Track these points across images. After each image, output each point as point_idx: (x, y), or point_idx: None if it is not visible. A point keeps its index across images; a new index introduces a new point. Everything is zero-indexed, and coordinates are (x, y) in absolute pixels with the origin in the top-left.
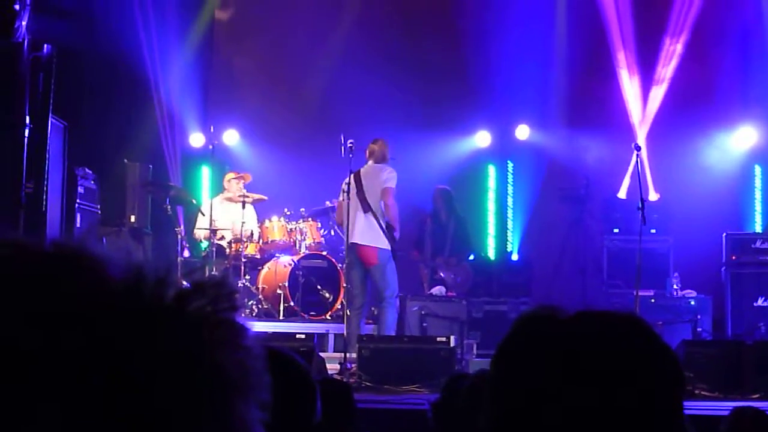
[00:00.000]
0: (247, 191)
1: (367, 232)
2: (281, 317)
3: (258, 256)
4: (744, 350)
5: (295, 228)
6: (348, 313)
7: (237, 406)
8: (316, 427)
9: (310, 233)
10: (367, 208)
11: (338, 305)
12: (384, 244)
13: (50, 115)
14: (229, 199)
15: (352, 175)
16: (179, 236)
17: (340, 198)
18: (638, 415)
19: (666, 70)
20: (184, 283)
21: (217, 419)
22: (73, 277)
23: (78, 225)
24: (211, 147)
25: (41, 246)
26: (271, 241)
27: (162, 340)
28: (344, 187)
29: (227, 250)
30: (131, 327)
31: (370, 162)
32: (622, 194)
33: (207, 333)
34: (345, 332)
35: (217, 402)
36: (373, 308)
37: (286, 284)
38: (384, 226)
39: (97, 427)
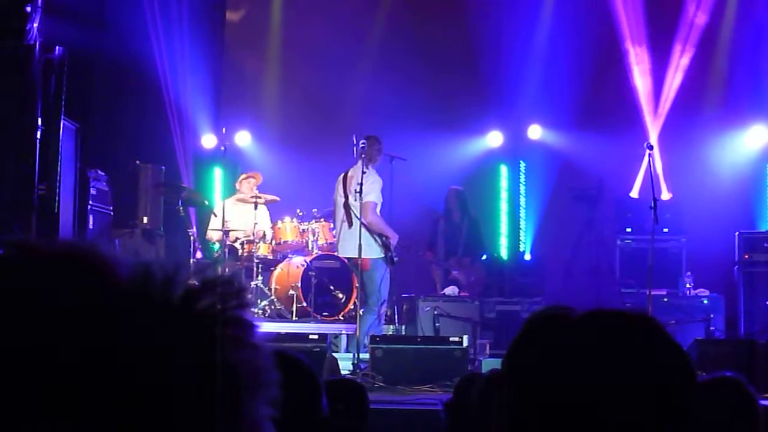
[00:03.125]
0: (260, 192)
1: (355, 246)
2: (294, 318)
3: (270, 257)
4: (757, 349)
5: (308, 228)
6: (360, 313)
7: (247, 404)
8: (329, 427)
9: (322, 234)
10: (351, 222)
11: (351, 306)
12: (374, 253)
13: (62, 117)
14: (242, 200)
15: (340, 178)
16: (192, 238)
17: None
18: (650, 414)
19: (678, 69)
20: (195, 282)
21: (227, 417)
22: (80, 278)
23: (90, 227)
24: (223, 148)
25: (50, 247)
26: (284, 241)
27: (169, 340)
28: (356, 187)
29: (240, 251)
30: (138, 328)
31: (359, 163)
32: (634, 194)
33: (216, 331)
34: (357, 332)
35: (227, 400)
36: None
37: (299, 285)
38: (373, 235)
39: (100, 429)
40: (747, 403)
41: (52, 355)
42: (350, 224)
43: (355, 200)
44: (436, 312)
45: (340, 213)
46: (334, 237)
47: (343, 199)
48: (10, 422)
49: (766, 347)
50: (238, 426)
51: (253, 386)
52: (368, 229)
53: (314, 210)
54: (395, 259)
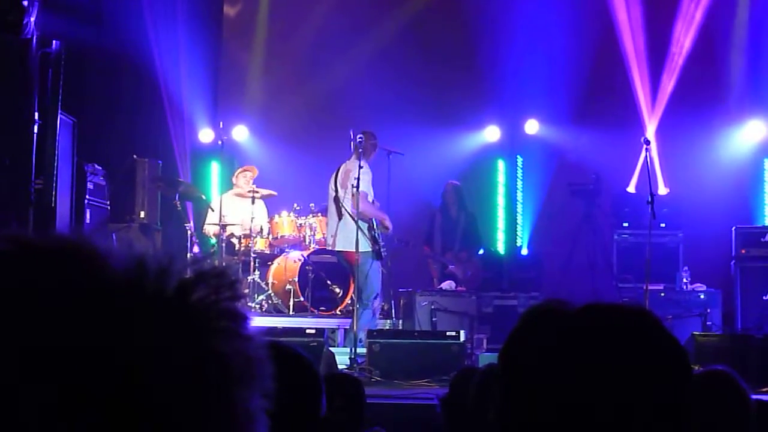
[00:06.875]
0: (257, 186)
1: (344, 239)
2: (291, 312)
3: (267, 252)
4: (753, 344)
5: (305, 223)
6: (357, 307)
7: (240, 396)
8: (326, 421)
9: (319, 228)
10: (340, 214)
11: (348, 300)
12: (363, 247)
13: (59, 111)
14: (239, 195)
15: (333, 174)
16: (189, 232)
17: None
18: (646, 407)
19: (676, 64)
20: (189, 274)
21: (220, 409)
22: (74, 271)
23: (87, 221)
24: (220, 143)
25: (44, 240)
26: (281, 236)
27: (162, 331)
28: (353, 182)
29: (237, 246)
30: (131, 320)
31: (353, 158)
32: (631, 189)
33: (209, 323)
34: (353, 327)
35: (220, 392)
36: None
37: (296, 279)
38: (362, 228)
39: (97, 423)
40: (738, 396)
41: (46, 350)
42: (339, 217)
43: (345, 194)
44: (433, 306)
45: (332, 207)
46: None
47: (333, 193)
48: (4, 422)
49: (761, 342)
50: (231, 418)
51: (247, 378)
52: (357, 223)
53: (311, 204)
54: (383, 252)
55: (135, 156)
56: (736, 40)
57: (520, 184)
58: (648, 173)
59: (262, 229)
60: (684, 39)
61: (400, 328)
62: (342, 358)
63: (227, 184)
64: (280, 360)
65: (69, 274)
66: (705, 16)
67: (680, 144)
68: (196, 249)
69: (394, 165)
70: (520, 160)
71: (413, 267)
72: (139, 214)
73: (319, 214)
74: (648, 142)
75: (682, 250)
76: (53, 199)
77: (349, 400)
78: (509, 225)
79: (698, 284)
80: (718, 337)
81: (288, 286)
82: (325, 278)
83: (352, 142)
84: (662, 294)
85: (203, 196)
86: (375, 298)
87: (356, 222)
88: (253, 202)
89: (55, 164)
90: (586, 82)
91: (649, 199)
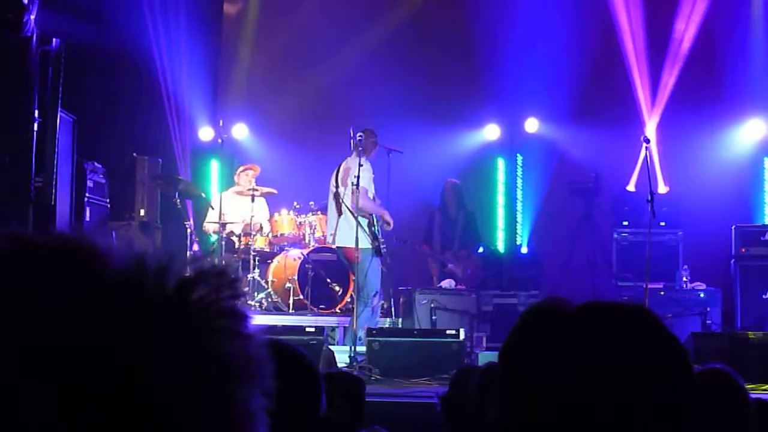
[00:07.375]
0: (257, 184)
1: (344, 234)
2: (291, 311)
3: (267, 250)
4: (752, 342)
5: (305, 221)
6: (356, 305)
7: (240, 395)
8: (325, 419)
9: (319, 226)
10: (340, 210)
11: (348, 298)
12: (363, 243)
13: (59, 109)
14: (239, 193)
15: (334, 172)
16: (189, 230)
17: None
18: (646, 407)
19: (676, 62)
20: (189, 272)
21: (220, 408)
22: (74, 269)
23: (87, 219)
24: (220, 141)
25: (43, 239)
26: (281, 234)
27: (162, 331)
28: (353, 179)
29: (237, 244)
30: (131, 319)
31: (353, 155)
32: (631, 187)
33: (209, 322)
34: (354, 325)
35: (220, 391)
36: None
37: (296, 278)
38: (362, 224)
39: (97, 422)
40: (737, 395)
41: (46, 349)
42: (339, 214)
43: (345, 191)
44: (432, 305)
45: (332, 204)
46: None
47: (334, 190)
48: (4, 422)
49: (760, 341)
50: (231, 417)
51: (247, 377)
52: (356, 219)
53: (311, 203)
54: (383, 249)
55: (135, 154)
56: (735, 39)
57: (519, 182)
58: (648, 172)
59: (261, 227)
60: (684, 37)
61: (400, 326)
62: (342, 357)
63: (227, 182)
64: (279, 358)
65: (69, 272)
66: (705, 15)
67: (680, 142)
68: (195, 247)
69: (394, 163)
70: (519, 158)
71: (413, 265)
72: (139, 212)
73: (319, 212)
74: (648, 141)
75: (681, 249)
76: (53, 197)
77: (348, 399)
78: (509, 223)
79: (698, 283)
80: (717, 336)
81: (288, 284)
82: (325, 276)
83: (352, 140)
84: (662, 293)
85: (203, 194)
86: (375, 295)
87: (356, 218)
88: (253, 200)
89: (55, 162)
90: (586, 80)
91: (649, 198)
